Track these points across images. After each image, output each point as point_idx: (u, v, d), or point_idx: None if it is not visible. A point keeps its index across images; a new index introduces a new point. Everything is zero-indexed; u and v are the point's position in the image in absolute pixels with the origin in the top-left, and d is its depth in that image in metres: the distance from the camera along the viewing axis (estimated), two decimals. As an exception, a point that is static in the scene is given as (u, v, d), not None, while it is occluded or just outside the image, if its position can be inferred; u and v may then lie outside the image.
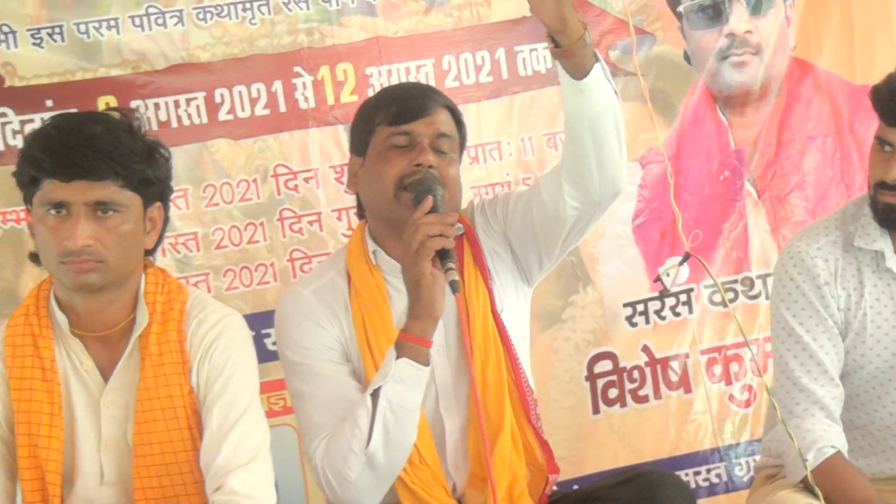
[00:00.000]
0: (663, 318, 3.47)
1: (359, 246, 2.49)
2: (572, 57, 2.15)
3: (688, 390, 3.48)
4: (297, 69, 3.11)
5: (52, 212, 2.18)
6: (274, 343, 2.67)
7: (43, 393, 2.25)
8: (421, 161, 2.37)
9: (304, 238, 3.13)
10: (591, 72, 2.16)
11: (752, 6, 3.45)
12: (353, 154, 2.53)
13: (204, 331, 2.30)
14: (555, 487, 2.51)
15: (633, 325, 3.45)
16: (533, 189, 2.44)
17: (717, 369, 3.51)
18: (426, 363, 2.30)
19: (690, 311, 3.48)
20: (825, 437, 2.44)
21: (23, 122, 2.93)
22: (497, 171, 3.27)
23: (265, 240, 3.11)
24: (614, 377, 3.43)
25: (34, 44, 2.93)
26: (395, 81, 3.14)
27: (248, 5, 3.07)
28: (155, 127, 2.96)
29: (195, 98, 3.04)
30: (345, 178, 2.74)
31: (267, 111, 3.09)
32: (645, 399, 3.46)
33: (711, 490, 3.51)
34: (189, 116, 3.04)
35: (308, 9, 3.11)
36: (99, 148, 2.16)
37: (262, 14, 3.08)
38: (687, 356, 3.48)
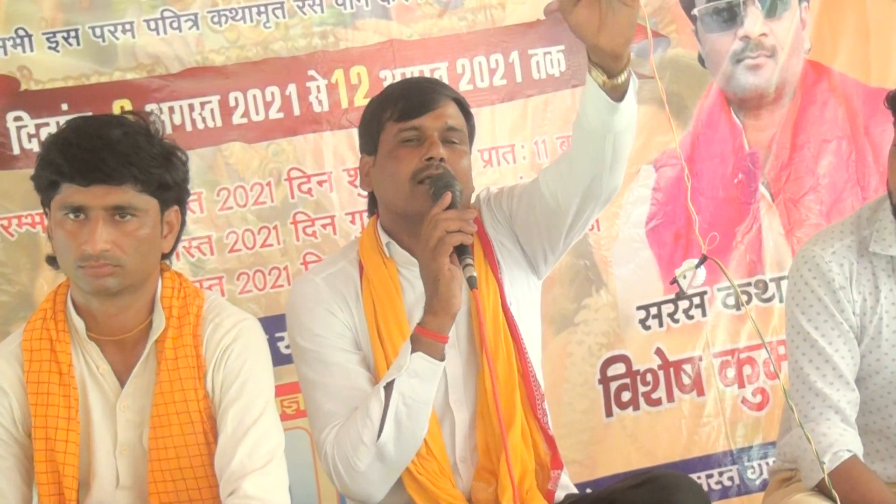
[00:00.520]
0: (676, 322, 3.46)
1: (371, 238, 2.49)
2: (621, 86, 2.07)
3: (700, 393, 3.47)
4: (311, 72, 3.10)
5: (71, 216, 2.18)
6: (287, 347, 2.66)
7: (60, 397, 2.25)
8: (432, 154, 2.37)
9: (317, 241, 3.13)
10: (628, 93, 2.09)
11: (767, 9, 3.44)
12: (363, 154, 2.53)
13: (220, 335, 2.30)
14: (568, 492, 2.50)
15: (647, 328, 3.44)
16: (533, 184, 2.44)
17: (730, 372, 3.50)
18: (441, 358, 2.30)
19: (704, 315, 3.47)
20: (841, 440, 2.43)
21: (38, 126, 2.93)
22: (511, 174, 3.26)
23: (279, 243, 3.11)
24: (627, 380, 3.42)
25: (50, 47, 2.94)
26: (408, 84, 3.15)
27: (262, 9, 3.07)
28: (169, 130, 2.94)
29: (209, 101, 3.05)
30: (358, 181, 2.73)
31: (281, 114, 3.09)
32: (658, 402, 3.45)
33: (724, 493, 3.50)
34: (203, 120, 3.04)
35: (322, 12, 3.11)
36: (118, 152, 2.16)
37: (277, 17, 3.08)
38: (700, 359, 3.47)
